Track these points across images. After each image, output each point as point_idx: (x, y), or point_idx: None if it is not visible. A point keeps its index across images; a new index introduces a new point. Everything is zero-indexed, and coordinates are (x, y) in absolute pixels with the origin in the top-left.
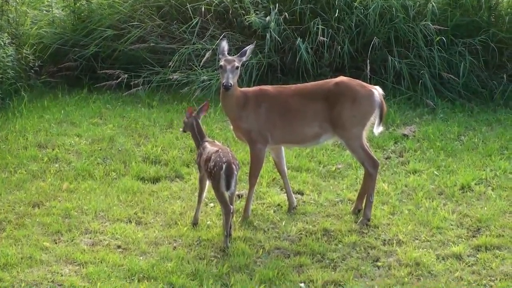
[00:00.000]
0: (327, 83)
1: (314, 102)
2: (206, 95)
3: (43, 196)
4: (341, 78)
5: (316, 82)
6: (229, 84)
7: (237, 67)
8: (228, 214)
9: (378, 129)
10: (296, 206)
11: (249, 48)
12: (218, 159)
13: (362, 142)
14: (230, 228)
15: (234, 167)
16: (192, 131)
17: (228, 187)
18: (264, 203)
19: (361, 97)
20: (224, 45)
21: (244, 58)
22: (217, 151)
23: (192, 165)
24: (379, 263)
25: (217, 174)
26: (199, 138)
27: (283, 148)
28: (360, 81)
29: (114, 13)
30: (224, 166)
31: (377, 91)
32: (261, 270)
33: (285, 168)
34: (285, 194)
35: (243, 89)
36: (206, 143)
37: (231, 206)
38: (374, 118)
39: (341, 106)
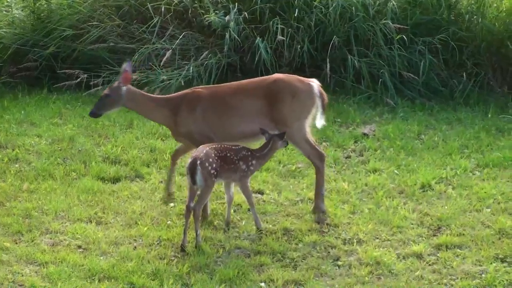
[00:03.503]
0: (265, 80)
1: (252, 99)
2: (165, 94)
3: (3, 197)
4: (278, 75)
5: (252, 79)
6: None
7: (106, 95)
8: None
9: (320, 122)
10: (173, 192)
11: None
12: (191, 154)
13: (306, 136)
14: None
15: (198, 161)
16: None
17: (193, 182)
18: (224, 203)
19: (300, 92)
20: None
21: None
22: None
23: (152, 165)
24: (339, 262)
25: (185, 169)
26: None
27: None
28: (297, 76)
29: (73, 13)
30: (189, 161)
31: (315, 84)
32: (221, 269)
33: (178, 160)
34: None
35: (167, 96)
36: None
37: (190, 205)
38: (316, 110)
39: (281, 102)
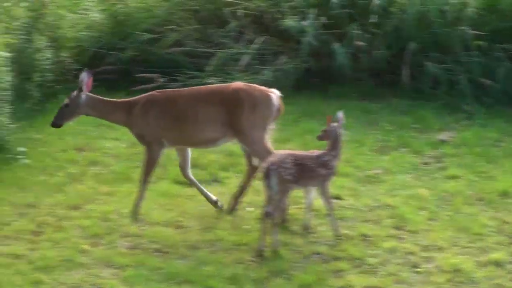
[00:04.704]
0: (225, 88)
1: (210, 107)
2: None
3: (82, 199)
4: (238, 84)
5: (212, 86)
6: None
7: (65, 105)
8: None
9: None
10: (217, 201)
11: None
12: (266, 159)
13: (265, 145)
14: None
15: (272, 167)
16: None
17: (268, 187)
18: (301, 208)
19: (259, 102)
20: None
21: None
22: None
23: (230, 169)
24: (418, 269)
25: (261, 174)
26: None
27: (189, 152)
28: (257, 86)
29: (151, 17)
30: (263, 166)
31: (275, 94)
32: (299, 275)
33: (190, 173)
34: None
35: (125, 100)
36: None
37: (266, 210)
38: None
39: (240, 111)
